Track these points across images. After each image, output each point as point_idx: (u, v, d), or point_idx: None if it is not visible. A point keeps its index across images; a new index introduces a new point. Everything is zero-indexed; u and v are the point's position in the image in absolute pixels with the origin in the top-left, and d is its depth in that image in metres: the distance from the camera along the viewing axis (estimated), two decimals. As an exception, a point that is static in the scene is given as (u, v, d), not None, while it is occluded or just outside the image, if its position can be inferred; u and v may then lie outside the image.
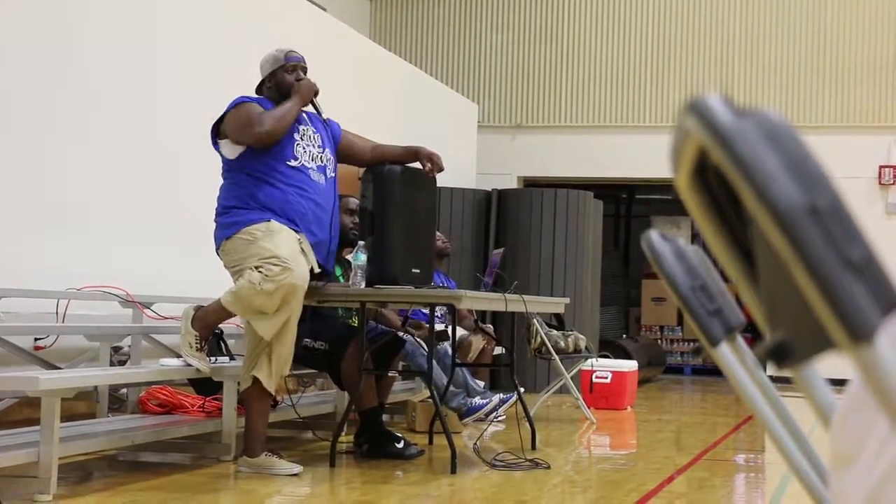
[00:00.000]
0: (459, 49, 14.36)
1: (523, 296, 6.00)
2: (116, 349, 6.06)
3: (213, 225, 5.17)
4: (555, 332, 8.14)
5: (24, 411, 5.63)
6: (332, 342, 5.70)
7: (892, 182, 13.15)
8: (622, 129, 13.89)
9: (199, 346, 5.06)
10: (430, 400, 5.74)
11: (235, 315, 5.05)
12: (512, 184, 13.47)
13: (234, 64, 7.54)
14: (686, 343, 16.14)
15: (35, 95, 6.20)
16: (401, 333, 6.36)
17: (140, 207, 6.93)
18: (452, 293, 5.53)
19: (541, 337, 7.93)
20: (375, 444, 5.65)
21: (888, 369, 0.74)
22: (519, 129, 14.17)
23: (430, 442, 6.28)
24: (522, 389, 6.65)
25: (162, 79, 7.23)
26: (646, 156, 13.20)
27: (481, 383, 8.17)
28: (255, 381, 5.01)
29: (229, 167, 5.16)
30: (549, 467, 5.46)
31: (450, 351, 6.67)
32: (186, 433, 5.33)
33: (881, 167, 13.18)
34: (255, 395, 5.06)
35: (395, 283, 5.30)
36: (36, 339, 5.85)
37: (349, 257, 5.76)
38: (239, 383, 5.16)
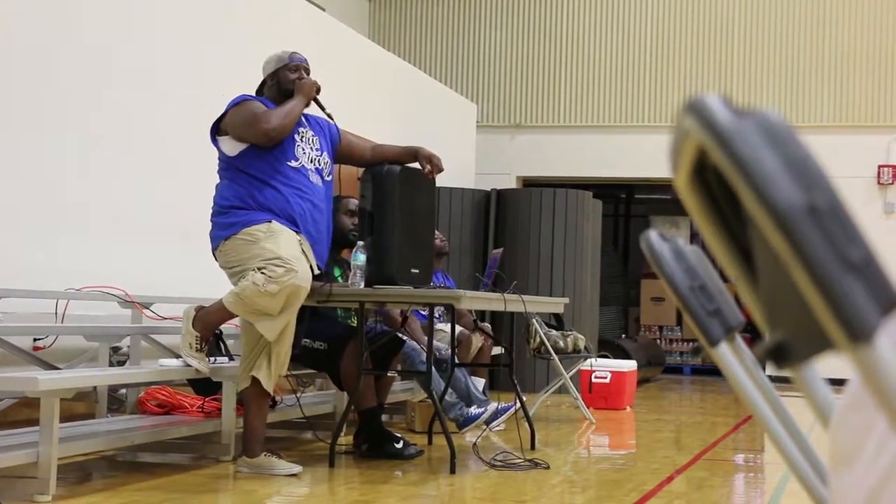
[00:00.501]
0: (458, 49, 14.36)
1: (522, 296, 6.00)
2: (116, 349, 6.05)
3: (210, 224, 5.14)
4: (554, 331, 8.13)
5: (24, 411, 5.63)
6: (332, 342, 5.70)
7: (890, 181, 13.16)
8: (621, 129, 13.89)
9: (199, 346, 5.04)
10: (429, 400, 5.73)
11: (237, 316, 5.03)
12: (511, 183, 13.47)
13: (233, 64, 7.55)
14: (685, 343, 16.14)
15: (35, 95, 6.20)
16: (400, 333, 6.36)
17: (140, 207, 6.93)
18: (452, 293, 5.52)
19: (540, 337, 7.93)
20: (375, 444, 5.65)
21: (887, 369, 0.74)
22: (518, 128, 14.17)
23: (430, 442, 6.28)
24: (525, 397, 6.62)
25: (162, 79, 7.23)
26: (645, 155, 13.21)
27: (481, 381, 8.15)
28: (254, 381, 5.00)
29: (227, 165, 5.11)
30: (548, 467, 5.46)
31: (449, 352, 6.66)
32: (186, 433, 5.33)
33: (880, 167, 13.18)
34: (254, 395, 5.06)
35: (394, 283, 5.30)
36: (35, 340, 5.85)
37: (349, 258, 5.75)
38: (238, 383, 5.16)
